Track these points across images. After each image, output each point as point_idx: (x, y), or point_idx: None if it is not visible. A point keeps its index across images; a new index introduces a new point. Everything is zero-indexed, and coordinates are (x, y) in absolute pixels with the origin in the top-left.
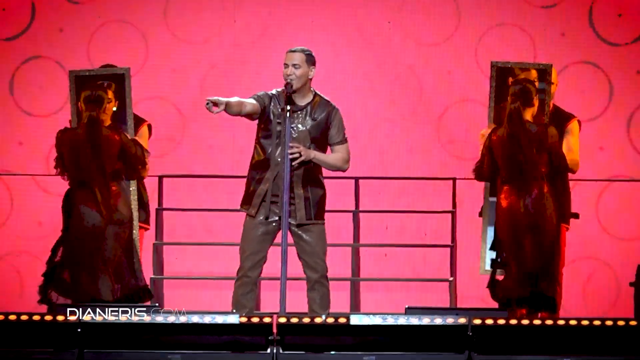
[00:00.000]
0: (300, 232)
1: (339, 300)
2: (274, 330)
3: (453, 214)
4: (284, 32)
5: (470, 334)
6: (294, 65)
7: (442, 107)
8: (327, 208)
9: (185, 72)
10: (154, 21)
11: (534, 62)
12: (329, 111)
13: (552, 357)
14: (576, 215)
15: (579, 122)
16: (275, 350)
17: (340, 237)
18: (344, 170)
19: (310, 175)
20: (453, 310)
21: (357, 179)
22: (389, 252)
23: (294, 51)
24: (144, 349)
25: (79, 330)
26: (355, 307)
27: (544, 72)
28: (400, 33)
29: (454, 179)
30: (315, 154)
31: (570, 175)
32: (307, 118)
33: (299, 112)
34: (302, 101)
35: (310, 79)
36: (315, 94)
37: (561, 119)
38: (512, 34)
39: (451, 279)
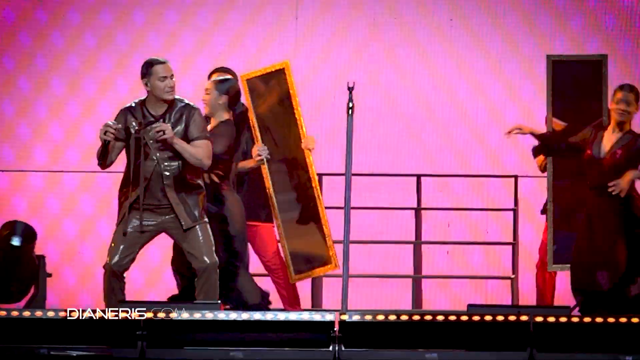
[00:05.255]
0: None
1: (401, 297)
2: (336, 327)
3: (515, 211)
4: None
5: (532, 331)
6: (172, 76)
7: (504, 104)
8: (389, 205)
9: None
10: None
11: (588, 54)
12: (188, 112)
13: (614, 355)
14: None
15: None
16: (337, 348)
17: (402, 235)
18: (205, 167)
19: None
20: (515, 307)
21: (419, 176)
22: (451, 250)
23: (167, 62)
24: (206, 346)
25: (141, 327)
26: (417, 305)
27: (599, 64)
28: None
29: (516, 177)
30: (177, 140)
31: None
32: (168, 123)
33: (159, 121)
34: (159, 110)
35: None
36: (174, 100)
37: None
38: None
39: (513, 276)
